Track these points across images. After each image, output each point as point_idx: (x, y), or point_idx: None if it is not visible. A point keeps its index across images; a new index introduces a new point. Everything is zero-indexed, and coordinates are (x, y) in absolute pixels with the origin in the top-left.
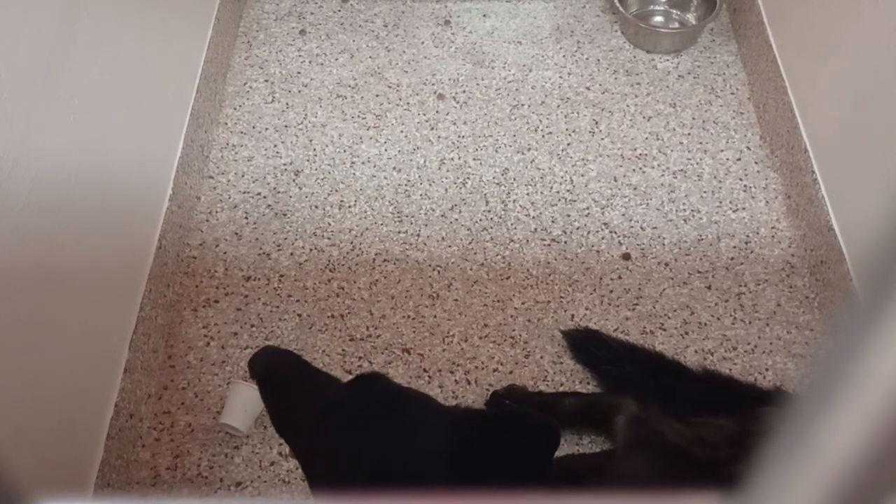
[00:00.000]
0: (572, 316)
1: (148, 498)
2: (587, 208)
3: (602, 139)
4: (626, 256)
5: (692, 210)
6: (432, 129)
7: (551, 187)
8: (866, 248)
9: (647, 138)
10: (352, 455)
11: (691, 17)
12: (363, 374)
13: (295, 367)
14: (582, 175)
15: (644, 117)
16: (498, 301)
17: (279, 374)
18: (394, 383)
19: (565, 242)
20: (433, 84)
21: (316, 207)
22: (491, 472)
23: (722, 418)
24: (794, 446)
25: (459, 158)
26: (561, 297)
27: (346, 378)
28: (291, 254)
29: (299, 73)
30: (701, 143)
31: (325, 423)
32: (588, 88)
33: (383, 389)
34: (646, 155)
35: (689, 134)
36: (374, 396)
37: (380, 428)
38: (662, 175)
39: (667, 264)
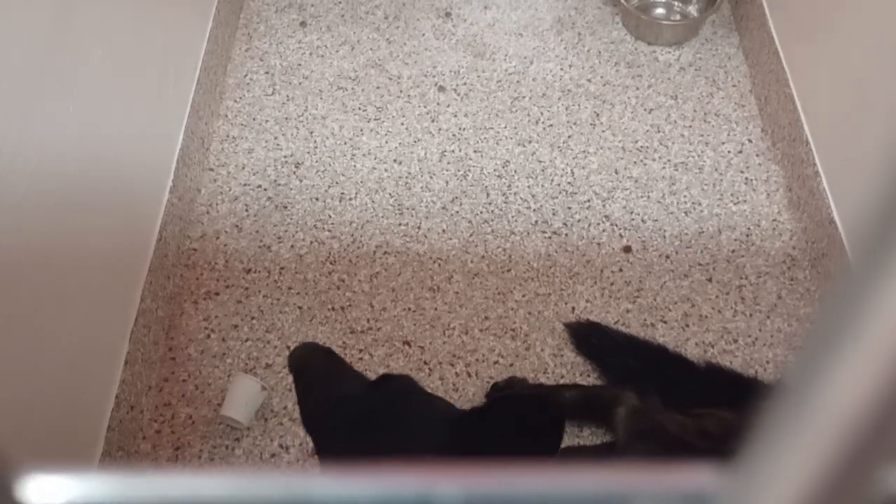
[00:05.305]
0: (573, 308)
1: (140, 475)
2: (588, 201)
3: (603, 131)
4: (627, 249)
5: (693, 202)
6: (433, 121)
7: (552, 180)
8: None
9: (648, 130)
10: (350, 452)
11: (693, 9)
12: (389, 374)
13: (326, 365)
14: (583, 167)
15: (645, 109)
16: (499, 293)
17: (311, 370)
18: (415, 386)
19: (566, 235)
20: (434, 76)
21: (316, 200)
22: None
23: (724, 411)
24: (789, 413)
25: (460, 151)
26: (562, 289)
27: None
28: (292, 246)
29: (300, 64)
30: (702, 135)
31: (335, 418)
32: (589, 80)
33: (401, 391)
34: (647, 147)
35: (690, 126)
36: (389, 397)
37: (384, 429)
38: (663, 167)
39: (668, 257)
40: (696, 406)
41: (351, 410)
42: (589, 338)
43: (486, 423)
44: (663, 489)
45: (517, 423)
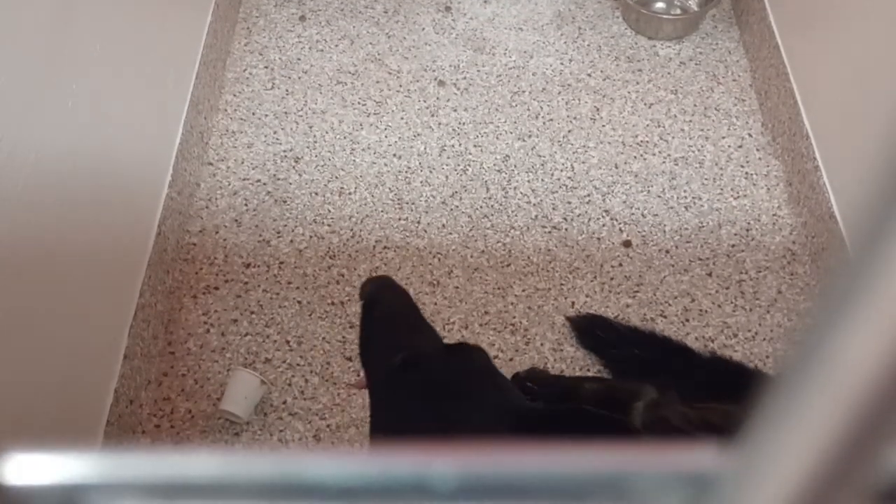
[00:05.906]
0: (573, 303)
1: (126, 454)
2: (588, 195)
3: (603, 126)
4: (627, 243)
5: (693, 197)
6: (433, 115)
7: (552, 174)
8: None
9: (648, 125)
10: (412, 416)
11: (693, 4)
12: (465, 343)
13: (404, 308)
14: (583, 162)
15: (645, 104)
16: (498, 288)
17: (386, 307)
18: (490, 365)
19: (566, 229)
20: (434, 70)
21: (316, 194)
22: None
23: (729, 403)
24: (793, 392)
25: (460, 145)
26: (561, 284)
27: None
28: (291, 241)
29: (299, 59)
30: (702, 130)
31: (404, 376)
32: (589, 75)
33: (479, 367)
34: (647, 142)
35: (690, 121)
36: (467, 370)
37: (455, 402)
38: (664, 162)
39: (667, 251)
40: (702, 397)
41: (427, 372)
42: (593, 330)
43: (556, 427)
44: (665, 469)
45: (590, 434)
